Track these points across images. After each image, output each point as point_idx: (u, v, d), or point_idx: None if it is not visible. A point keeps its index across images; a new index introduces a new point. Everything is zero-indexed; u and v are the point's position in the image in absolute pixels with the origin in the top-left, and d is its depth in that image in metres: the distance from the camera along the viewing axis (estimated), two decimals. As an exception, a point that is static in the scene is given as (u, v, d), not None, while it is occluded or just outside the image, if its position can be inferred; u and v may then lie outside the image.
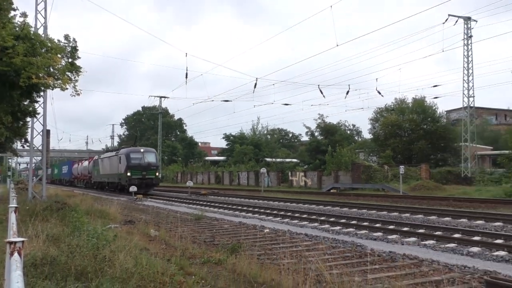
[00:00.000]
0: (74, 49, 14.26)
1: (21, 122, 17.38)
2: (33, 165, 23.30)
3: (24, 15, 13.41)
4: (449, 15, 33.58)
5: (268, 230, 12.29)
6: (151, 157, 35.58)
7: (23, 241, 3.83)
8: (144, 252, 7.73)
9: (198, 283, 5.99)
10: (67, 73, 13.67)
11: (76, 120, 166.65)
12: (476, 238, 10.35)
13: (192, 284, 5.83)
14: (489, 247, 9.20)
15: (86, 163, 52.18)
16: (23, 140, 21.42)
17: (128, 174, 32.91)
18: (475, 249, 9.09)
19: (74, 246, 7.01)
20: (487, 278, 6.39)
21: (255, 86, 32.29)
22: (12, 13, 13.24)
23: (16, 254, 3.46)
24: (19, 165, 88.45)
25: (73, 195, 27.63)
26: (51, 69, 13.09)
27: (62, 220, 12.00)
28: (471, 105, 35.77)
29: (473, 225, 12.88)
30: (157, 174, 35.37)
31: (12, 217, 7.40)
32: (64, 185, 63.37)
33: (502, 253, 8.64)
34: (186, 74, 37.33)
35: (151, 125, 77.82)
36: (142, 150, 35.92)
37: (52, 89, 14.43)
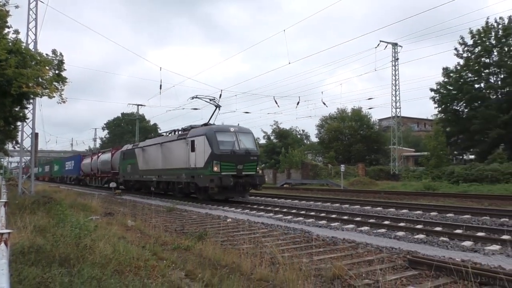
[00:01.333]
0: (61, 62, 13.95)
1: (12, 126, 16.63)
2: (23, 164, 22.28)
3: (16, 32, 13.27)
4: (380, 41, 34.73)
5: (230, 220, 12.22)
6: (248, 141, 18.90)
7: (9, 233, 3.64)
8: (121, 240, 7.52)
9: (169, 266, 5.87)
10: (54, 83, 13.36)
11: (62, 124, 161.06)
12: (402, 224, 10.63)
13: (163, 267, 5.70)
14: (411, 232, 9.47)
15: (106, 156, 34.49)
16: (14, 142, 20.44)
17: (215, 169, 17.25)
18: (400, 233, 9.33)
19: (59, 236, 6.75)
20: (409, 257, 6.59)
21: (220, 96, 32.07)
22: (6, 30, 12.92)
23: (2, 244, 3.29)
24: (10, 164, 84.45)
25: (59, 190, 26.57)
26: (40, 80, 12.74)
27: (48, 212, 11.53)
28: (398, 114, 37.07)
29: (399, 213, 13.25)
30: (258, 169, 19.28)
31: (2, 211, 7.04)
32: (69, 184, 47.12)
33: (421, 236, 8.92)
34: (160, 85, 37.04)
35: (129, 129, 76.12)
36: (232, 130, 18.85)
37: (41, 97, 13.98)
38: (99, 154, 37.55)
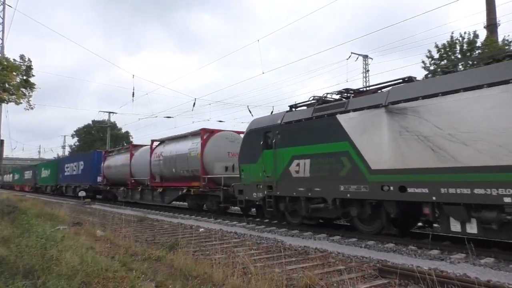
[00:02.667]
0: (29, 67, 13.59)
1: (-25, 133, 16.02)
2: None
3: None
4: (351, 53, 35.55)
5: (203, 230, 12.10)
6: None
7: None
8: (90, 251, 7.32)
9: (139, 277, 5.76)
10: (21, 89, 12.98)
11: (29, 130, 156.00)
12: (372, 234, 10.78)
13: (133, 278, 5.59)
14: (381, 241, 9.64)
15: (161, 148, 20.44)
16: (-23, 149, 19.69)
17: None
18: (370, 242, 9.48)
19: (23, 247, 6.51)
20: (379, 265, 6.71)
21: (194, 105, 32.11)
22: None
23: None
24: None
25: (25, 199, 25.64)
26: (7, 85, 12.36)
27: (12, 222, 11.12)
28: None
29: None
30: None
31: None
32: (76, 199, 28.75)
33: (390, 245, 9.09)
34: (133, 93, 36.02)
35: (100, 137, 74.47)
36: None
37: (7, 103, 13.55)
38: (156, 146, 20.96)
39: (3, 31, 19.32)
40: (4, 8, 19.44)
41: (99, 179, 28.10)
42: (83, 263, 5.75)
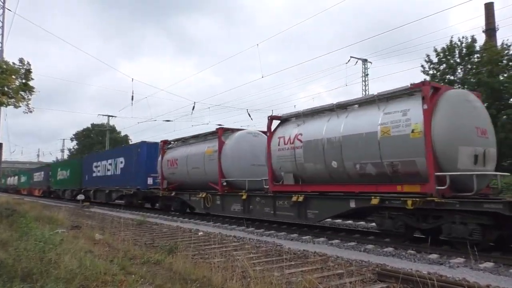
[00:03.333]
0: (28, 71, 13.62)
1: (-26, 135, 16.03)
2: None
3: None
4: (351, 57, 35.73)
5: (202, 233, 12.07)
6: None
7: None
8: (88, 254, 7.29)
9: (137, 281, 5.74)
10: (20, 92, 12.98)
11: (28, 134, 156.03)
12: (371, 237, 10.79)
13: (132, 282, 5.56)
14: (380, 245, 9.62)
15: (295, 129, 12.12)
16: (-24, 152, 19.66)
17: None
18: (370, 246, 9.47)
19: (22, 250, 6.48)
20: (378, 269, 6.69)
21: (193, 109, 31.86)
22: None
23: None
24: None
25: (23, 202, 25.57)
26: (6, 89, 12.37)
27: (11, 225, 11.09)
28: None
29: (368, 226, 13.45)
30: None
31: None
32: (113, 206, 25.18)
33: (390, 249, 9.08)
34: (132, 96, 36.09)
35: (99, 140, 74.42)
36: None
37: (6, 107, 13.55)
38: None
39: (2, 34, 19.32)
40: (3, 12, 19.46)
41: (150, 180, 21.34)
42: (82, 267, 5.73)
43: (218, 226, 14.26)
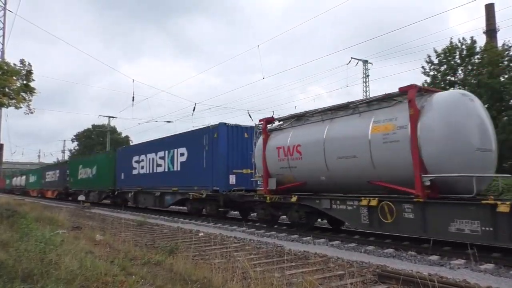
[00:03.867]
0: (29, 72, 13.65)
1: (-25, 136, 16.03)
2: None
3: None
4: (351, 58, 35.65)
5: (202, 234, 12.07)
6: None
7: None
8: (89, 255, 7.29)
9: (138, 282, 5.73)
10: (21, 93, 13.01)
11: (29, 135, 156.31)
12: (371, 238, 10.78)
13: (132, 283, 5.56)
14: (381, 246, 9.61)
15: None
16: (-23, 153, 19.70)
17: None
18: (370, 247, 9.46)
19: (22, 251, 6.48)
20: (378, 271, 6.69)
21: (194, 110, 31.89)
22: None
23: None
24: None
25: (24, 203, 25.59)
26: (7, 90, 12.40)
27: (11, 226, 11.09)
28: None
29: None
30: None
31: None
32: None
33: (390, 250, 9.07)
34: (133, 97, 36.44)
35: (100, 141, 74.54)
36: None
37: (7, 107, 13.56)
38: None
39: (3, 35, 19.41)
40: (4, 13, 19.52)
41: (232, 179, 15.89)
42: (82, 267, 5.73)
43: (218, 227, 14.25)
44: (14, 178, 62.19)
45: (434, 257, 8.16)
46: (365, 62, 36.37)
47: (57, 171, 37.79)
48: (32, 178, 48.45)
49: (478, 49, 29.94)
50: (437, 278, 5.97)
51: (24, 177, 54.88)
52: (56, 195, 37.68)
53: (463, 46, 30.32)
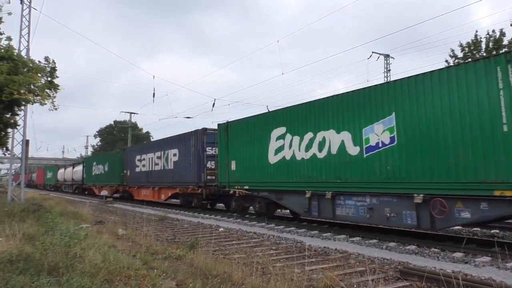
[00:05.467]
0: (53, 69, 13.97)
1: (3, 133, 16.52)
2: (13, 171, 22.04)
3: (9, 38, 13.32)
4: (372, 52, 35.08)
5: (222, 229, 12.15)
6: None
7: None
8: (112, 249, 7.43)
9: (159, 276, 5.81)
10: (46, 90, 13.33)
11: (52, 131, 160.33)
12: (392, 235, 10.64)
13: (154, 277, 5.64)
14: (402, 242, 9.48)
15: None
16: (4, 149, 20.28)
17: None
18: (392, 244, 9.34)
19: (48, 244, 6.65)
20: (400, 267, 6.60)
21: (213, 106, 31.85)
22: None
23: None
24: (0, 171, 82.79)
25: (49, 198, 26.29)
26: (32, 86, 12.74)
27: (37, 220, 11.41)
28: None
29: (389, 225, 13.19)
30: None
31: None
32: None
33: (412, 247, 8.93)
34: (154, 94, 36.94)
35: (121, 137, 75.84)
36: None
37: (32, 104, 13.92)
38: None
39: (28, 33, 19.81)
40: (29, 11, 19.94)
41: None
42: (106, 261, 5.84)
43: (238, 222, 14.32)
44: (60, 171, 47.61)
45: (458, 254, 7.99)
46: (387, 56, 35.73)
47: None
48: (98, 169, 32.33)
49: (505, 42, 29.07)
50: (461, 275, 5.85)
51: (79, 168, 39.21)
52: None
53: (491, 39, 29.47)
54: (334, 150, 11.26)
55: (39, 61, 13.98)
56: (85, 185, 34.66)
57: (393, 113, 9.79)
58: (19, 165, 22.13)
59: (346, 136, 10.97)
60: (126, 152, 28.50)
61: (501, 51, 29.05)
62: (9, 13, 13.43)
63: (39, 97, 13.16)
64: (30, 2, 19.67)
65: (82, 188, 36.24)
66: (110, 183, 29.57)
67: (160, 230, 12.10)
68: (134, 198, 26.71)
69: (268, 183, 13.70)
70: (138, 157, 25.64)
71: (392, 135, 9.77)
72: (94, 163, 33.08)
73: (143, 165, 24.80)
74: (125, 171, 27.29)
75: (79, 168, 39.02)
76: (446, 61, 32.35)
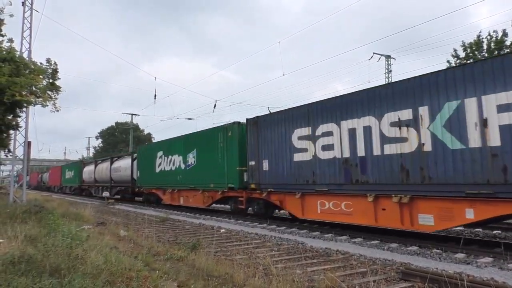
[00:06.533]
0: (55, 71, 14.01)
1: (4, 134, 16.57)
2: (15, 172, 22.12)
3: (11, 40, 13.35)
4: (373, 53, 35.12)
5: (224, 230, 12.16)
6: None
7: None
8: (113, 250, 7.44)
9: (161, 277, 5.82)
10: (47, 91, 13.38)
11: (54, 132, 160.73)
12: (394, 236, 10.62)
13: (156, 278, 5.65)
14: (404, 243, 9.48)
15: None
16: (6, 150, 20.34)
17: None
18: (394, 245, 9.34)
19: (50, 246, 6.66)
20: (402, 268, 6.59)
21: (214, 107, 31.91)
22: (0, 38, 12.98)
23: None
24: (2, 172, 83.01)
25: (52, 199, 26.34)
26: (33, 88, 12.78)
27: (39, 222, 11.42)
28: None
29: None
30: None
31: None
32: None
33: (414, 248, 8.92)
34: (155, 95, 37.01)
35: (123, 138, 75.96)
36: None
37: (34, 106, 13.97)
38: None
39: (30, 36, 19.88)
40: (31, 13, 20.00)
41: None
42: (107, 262, 5.85)
43: (239, 223, 14.32)
44: (86, 168, 37.07)
45: (460, 255, 7.98)
46: (388, 57, 35.76)
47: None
48: (173, 162, 20.85)
49: (508, 43, 29.02)
50: (463, 276, 5.84)
51: (123, 162, 28.65)
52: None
53: (493, 39, 29.41)
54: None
55: (40, 63, 14.05)
56: (139, 187, 24.85)
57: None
58: (21, 166, 22.20)
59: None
60: (258, 125, 15.22)
61: (501, 52, 29.00)
62: (11, 15, 13.50)
63: (40, 99, 13.20)
64: (31, 4, 19.75)
65: (131, 193, 26.90)
66: (205, 186, 17.55)
67: (161, 231, 12.11)
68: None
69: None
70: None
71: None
72: (160, 153, 22.11)
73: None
74: (251, 163, 14.85)
75: (124, 162, 28.11)
76: (448, 61, 32.31)
